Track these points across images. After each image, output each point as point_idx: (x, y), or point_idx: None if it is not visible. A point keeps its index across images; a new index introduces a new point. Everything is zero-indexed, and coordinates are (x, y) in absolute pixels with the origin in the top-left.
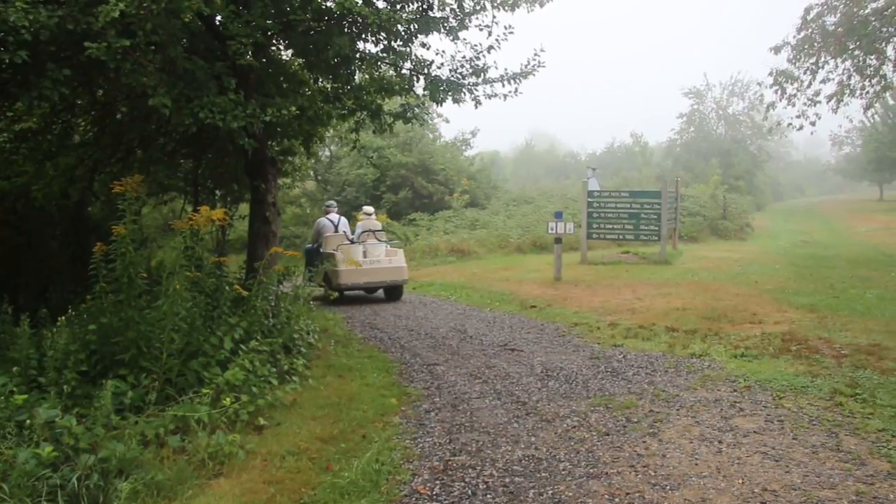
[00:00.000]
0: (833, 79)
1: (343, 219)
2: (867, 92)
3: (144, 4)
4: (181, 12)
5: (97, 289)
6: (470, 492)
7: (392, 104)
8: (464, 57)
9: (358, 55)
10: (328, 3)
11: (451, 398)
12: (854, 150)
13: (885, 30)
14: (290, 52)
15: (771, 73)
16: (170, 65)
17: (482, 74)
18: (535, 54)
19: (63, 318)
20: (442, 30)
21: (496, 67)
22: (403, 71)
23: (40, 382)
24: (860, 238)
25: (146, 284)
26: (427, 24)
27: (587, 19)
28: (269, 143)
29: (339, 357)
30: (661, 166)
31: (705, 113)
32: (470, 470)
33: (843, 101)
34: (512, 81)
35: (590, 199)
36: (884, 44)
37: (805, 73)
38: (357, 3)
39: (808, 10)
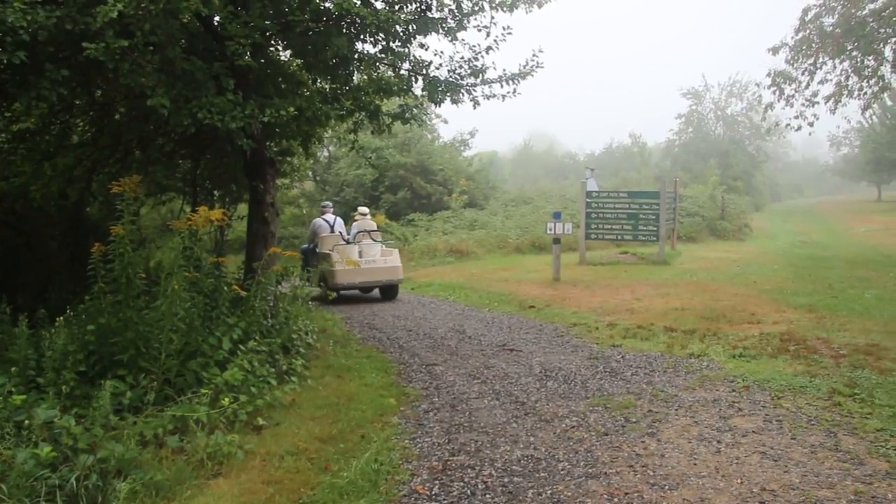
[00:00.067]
0: (831, 79)
1: (339, 219)
2: (865, 93)
3: (143, 5)
4: (179, 13)
5: (96, 289)
6: (469, 492)
7: (390, 105)
8: (462, 57)
9: (356, 56)
10: (326, 4)
11: (449, 398)
12: (852, 151)
13: (882, 31)
14: (288, 52)
15: (769, 74)
16: (168, 65)
17: (480, 75)
18: (534, 55)
19: (61, 318)
20: (440, 30)
21: (494, 68)
22: (402, 71)
23: (39, 383)
24: (858, 238)
25: (145, 285)
26: (425, 24)
27: (586, 19)
28: (268, 143)
29: (338, 357)
30: (660, 167)
31: (704, 113)
32: (469, 470)
33: (841, 101)
34: (510, 82)
35: (588, 200)
36: (881, 45)
37: (803, 73)
38: (355, 3)
39: (806, 11)
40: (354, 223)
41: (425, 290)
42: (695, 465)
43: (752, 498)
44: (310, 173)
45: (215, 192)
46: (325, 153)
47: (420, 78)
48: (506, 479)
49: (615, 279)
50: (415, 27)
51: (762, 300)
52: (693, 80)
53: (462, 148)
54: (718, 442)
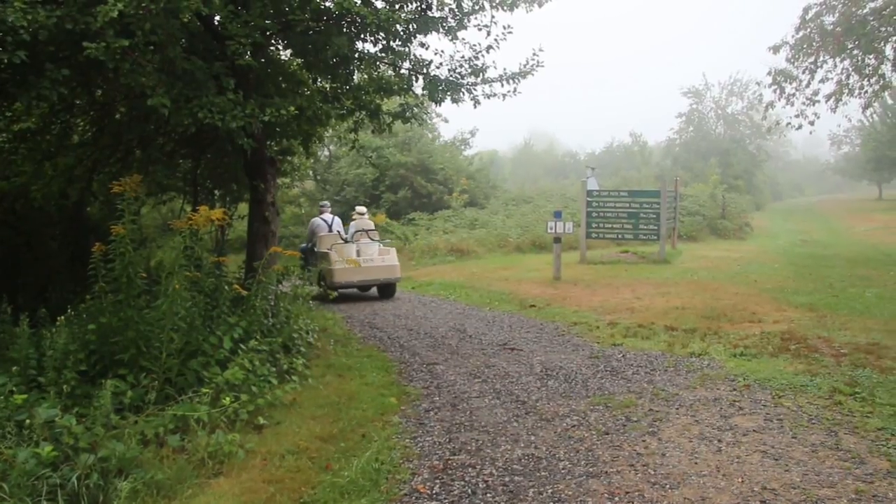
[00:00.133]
0: (832, 78)
1: (337, 218)
2: (866, 91)
3: (143, 4)
4: (180, 12)
5: (96, 289)
6: (470, 491)
7: (391, 104)
8: (462, 57)
9: (357, 55)
10: (327, 3)
11: (450, 397)
12: (853, 150)
13: (883, 29)
14: (288, 51)
15: (770, 73)
16: (168, 65)
17: (481, 74)
18: (534, 54)
19: (62, 317)
20: (441, 30)
21: (495, 67)
22: (402, 71)
23: (40, 382)
24: (859, 237)
25: (145, 284)
26: (426, 23)
27: (587, 19)
28: (268, 142)
29: (339, 356)
30: (660, 166)
31: (704, 112)
32: (470, 469)
33: (841, 100)
34: (511, 81)
35: (589, 199)
36: (882, 43)
37: (804, 72)
38: (356, 2)
39: (806, 10)
40: (352, 222)
41: (426, 289)
42: (696, 463)
43: (753, 497)
44: (310, 172)
45: (216, 192)
46: (326, 152)
47: (420, 77)
48: (507, 478)
49: (616, 278)
50: (415, 26)
51: (763, 299)
52: (693, 79)
53: (462, 147)
54: (719, 441)
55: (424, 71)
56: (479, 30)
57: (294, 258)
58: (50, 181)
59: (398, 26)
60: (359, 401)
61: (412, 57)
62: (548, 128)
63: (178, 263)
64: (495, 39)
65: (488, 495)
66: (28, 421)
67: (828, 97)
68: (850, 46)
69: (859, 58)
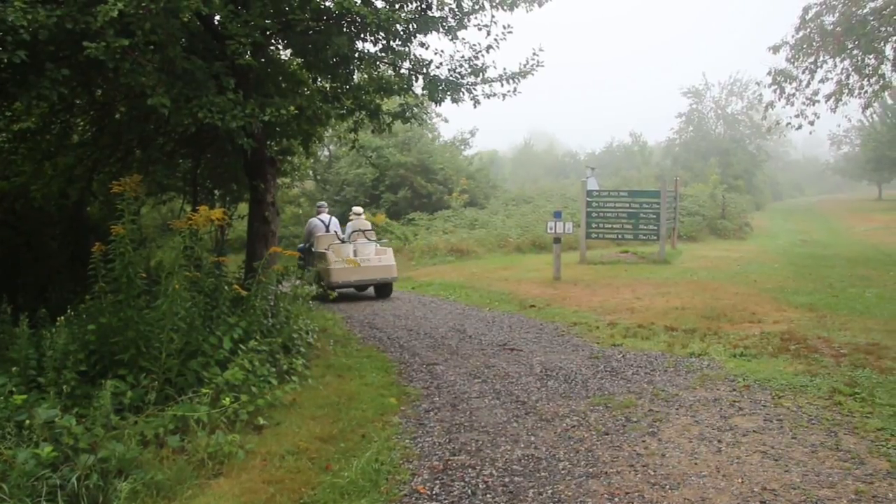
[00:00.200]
0: (832, 78)
1: (334, 219)
2: (866, 91)
3: (143, 4)
4: (180, 12)
5: (96, 289)
6: (469, 491)
7: (391, 104)
8: (462, 56)
9: (357, 55)
10: (327, 3)
11: (450, 398)
12: (853, 150)
13: (883, 29)
14: (288, 51)
15: (770, 73)
16: (168, 64)
17: (481, 74)
18: (534, 54)
19: (62, 318)
20: (441, 29)
21: (495, 67)
22: (402, 70)
23: (39, 382)
24: (859, 237)
25: (145, 284)
26: (426, 23)
27: (586, 19)
28: (268, 142)
29: (339, 357)
30: (660, 166)
31: (704, 112)
32: (469, 469)
33: (841, 100)
34: (511, 81)
35: (589, 199)
36: (882, 43)
37: (804, 72)
38: (356, 2)
39: (806, 10)
40: (349, 222)
41: (426, 289)
42: (695, 464)
43: (753, 497)
44: (310, 172)
45: (216, 192)
46: (326, 152)
47: (420, 77)
48: (506, 479)
49: (616, 278)
50: (415, 26)
51: (763, 299)
52: (693, 79)
53: (462, 147)
54: (719, 441)
55: (424, 71)
56: (479, 29)
57: (293, 258)
58: (50, 181)
59: (398, 26)
60: (359, 401)
61: (412, 57)
62: (548, 128)
63: (177, 263)
64: (495, 39)
65: (488, 496)
66: (28, 421)
67: (828, 97)
68: (850, 46)
69: (859, 58)
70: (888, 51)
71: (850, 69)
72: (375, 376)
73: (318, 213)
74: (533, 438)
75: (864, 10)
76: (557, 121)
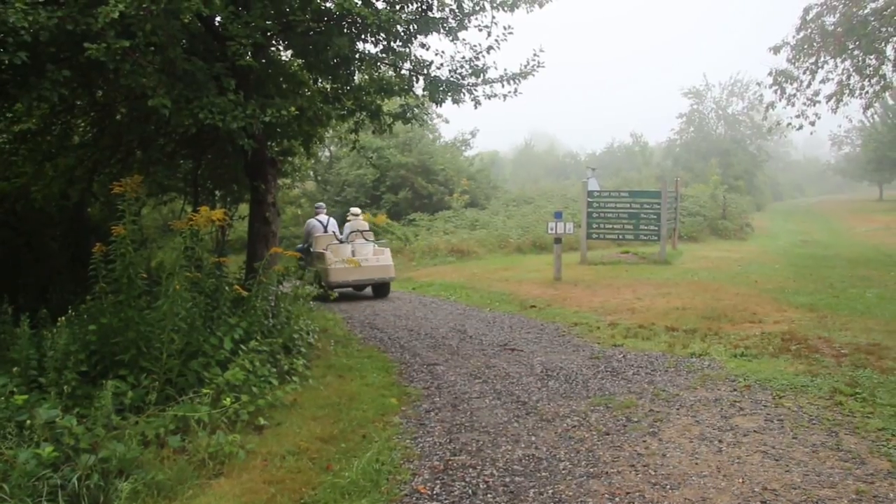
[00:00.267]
0: (832, 79)
1: (332, 219)
2: (866, 92)
3: (144, 5)
4: (181, 13)
5: (97, 289)
6: (470, 491)
7: (391, 105)
8: (463, 57)
9: (357, 56)
10: (328, 4)
11: (451, 398)
12: (854, 150)
13: (884, 30)
14: (289, 52)
15: (770, 73)
16: (169, 66)
17: (481, 75)
18: (535, 54)
19: (63, 318)
20: (441, 30)
21: (495, 68)
22: (403, 71)
23: (40, 383)
24: (860, 238)
25: (146, 285)
26: (426, 24)
27: (587, 19)
28: (269, 143)
29: (339, 357)
30: (661, 166)
31: (705, 113)
32: (470, 469)
33: (842, 100)
34: (511, 82)
35: (589, 199)
36: (883, 44)
37: (804, 72)
38: (356, 3)
39: (807, 10)
40: (347, 223)
41: (426, 289)
42: (696, 464)
43: (754, 497)
44: (311, 173)
45: (216, 192)
46: (327, 153)
47: (421, 78)
48: (507, 479)
49: (616, 279)
50: (416, 27)
51: (763, 299)
52: (694, 79)
53: (463, 148)
54: (720, 441)
55: (425, 71)
56: (480, 30)
57: (294, 259)
58: (50, 182)
59: (399, 27)
60: (359, 401)
61: (413, 57)
62: (548, 128)
63: (178, 264)
64: (496, 40)
65: (489, 496)
66: (29, 421)
67: (828, 98)
68: (850, 47)
69: (860, 58)
70: (889, 51)
71: (851, 70)
72: (376, 376)
73: (317, 213)
74: (534, 438)
75: (865, 11)
76: (558, 121)
